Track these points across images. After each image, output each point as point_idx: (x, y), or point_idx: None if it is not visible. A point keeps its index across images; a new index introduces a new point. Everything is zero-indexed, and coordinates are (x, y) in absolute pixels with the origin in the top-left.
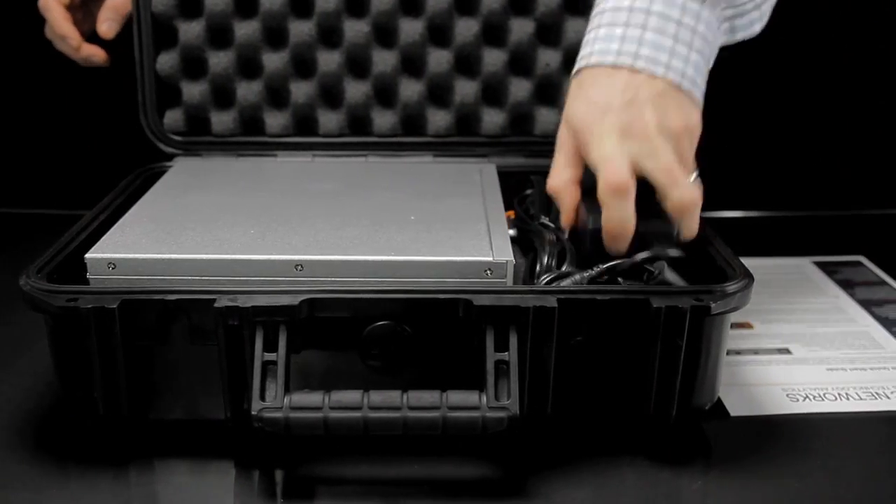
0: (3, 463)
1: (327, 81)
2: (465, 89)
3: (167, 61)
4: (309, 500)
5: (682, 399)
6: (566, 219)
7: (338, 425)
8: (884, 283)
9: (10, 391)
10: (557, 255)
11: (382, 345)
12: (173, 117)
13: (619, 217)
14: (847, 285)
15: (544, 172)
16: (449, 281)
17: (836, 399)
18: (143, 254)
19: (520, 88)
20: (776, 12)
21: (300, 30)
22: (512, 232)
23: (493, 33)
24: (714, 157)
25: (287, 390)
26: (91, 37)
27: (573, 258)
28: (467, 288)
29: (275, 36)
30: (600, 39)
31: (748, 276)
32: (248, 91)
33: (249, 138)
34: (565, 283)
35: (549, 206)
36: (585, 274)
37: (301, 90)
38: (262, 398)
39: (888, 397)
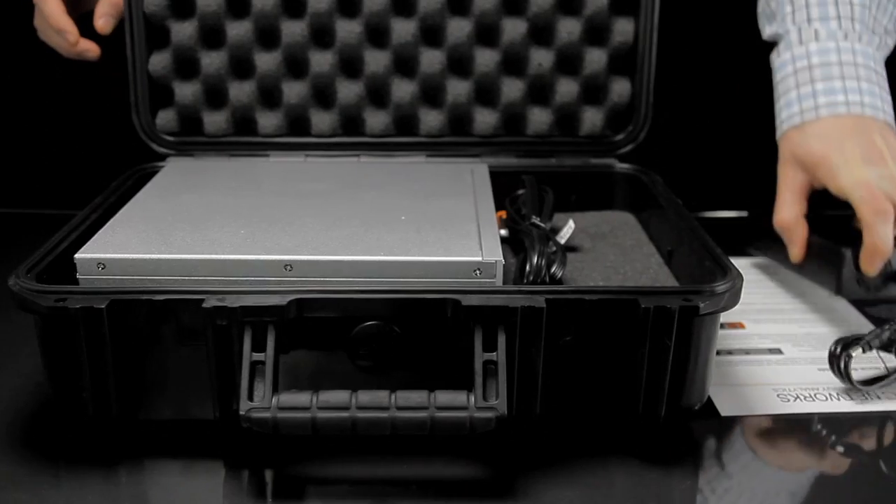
0: None
1: (320, 82)
2: (458, 89)
3: (159, 61)
4: (298, 499)
5: (671, 399)
6: (799, 253)
7: (326, 425)
8: None
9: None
10: (547, 256)
11: (371, 345)
12: (166, 117)
13: (883, 236)
14: None
15: (536, 172)
16: (438, 281)
17: (826, 399)
18: (132, 254)
19: (512, 88)
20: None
21: (292, 30)
22: (503, 232)
23: (486, 33)
24: (708, 158)
25: (275, 390)
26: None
27: (563, 259)
28: (455, 288)
29: (267, 36)
30: (821, 94)
31: (737, 276)
32: (240, 91)
33: (242, 138)
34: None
35: (540, 206)
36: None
37: (293, 90)
38: (251, 398)
39: (878, 398)
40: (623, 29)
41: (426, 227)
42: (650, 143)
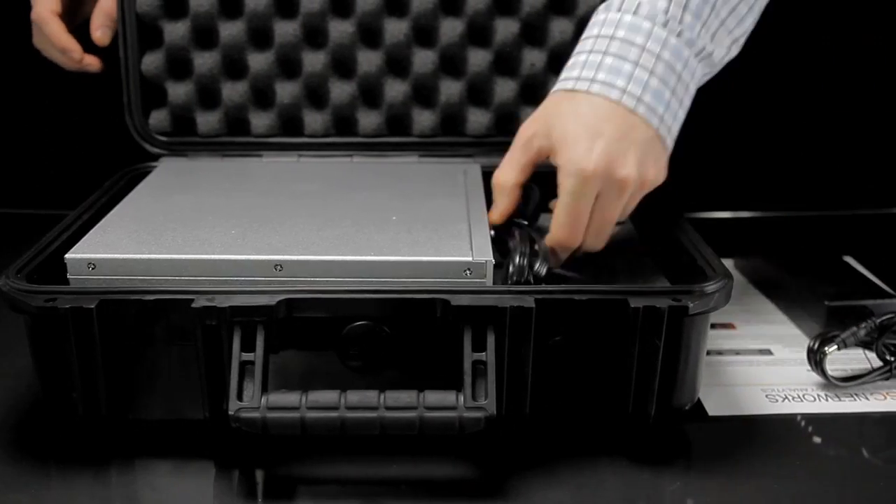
0: None
1: (312, 82)
2: (451, 89)
3: (152, 62)
4: (289, 500)
5: (661, 399)
6: (500, 216)
7: (315, 425)
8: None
9: None
10: (529, 256)
11: (361, 345)
12: (159, 118)
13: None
14: None
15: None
16: (427, 281)
17: (815, 400)
18: (122, 254)
19: (505, 89)
20: (765, 16)
21: (285, 30)
22: (493, 233)
23: (479, 34)
24: (702, 159)
25: (265, 390)
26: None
27: (546, 258)
28: (445, 288)
29: (260, 36)
30: (605, 69)
31: (727, 277)
32: (233, 91)
33: (235, 139)
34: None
35: (525, 204)
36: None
37: (286, 90)
38: (240, 398)
39: (867, 398)
40: None
41: (417, 227)
42: None
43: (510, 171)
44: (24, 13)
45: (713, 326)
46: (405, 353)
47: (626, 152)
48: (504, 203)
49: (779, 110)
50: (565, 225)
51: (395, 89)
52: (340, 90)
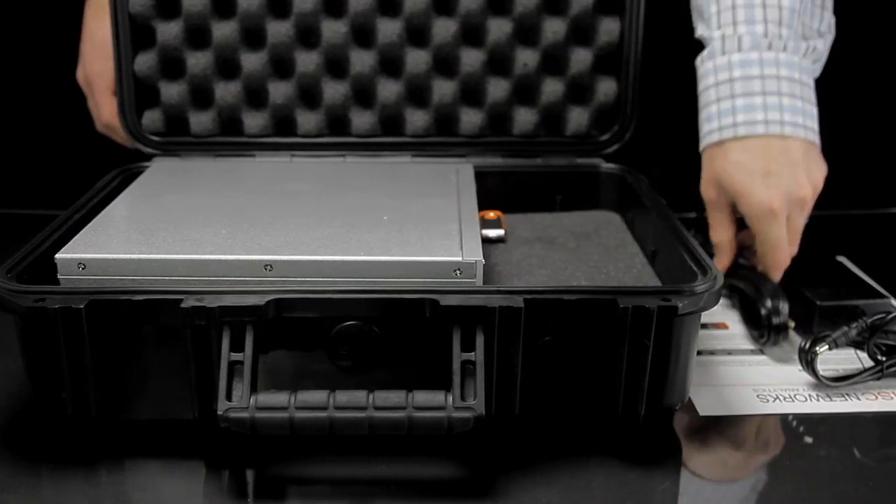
0: None
1: (305, 82)
2: (444, 89)
3: (145, 62)
4: (278, 499)
5: (651, 399)
6: (723, 269)
7: (304, 425)
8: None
9: None
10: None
11: (351, 345)
12: (152, 118)
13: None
14: None
15: (521, 172)
16: (416, 281)
17: (806, 400)
18: (112, 254)
19: (498, 88)
20: None
21: (278, 30)
22: (500, 232)
23: (471, 33)
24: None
25: (254, 390)
26: None
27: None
28: (434, 288)
29: (253, 36)
30: (740, 110)
31: (717, 277)
32: (226, 91)
33: (228, 139)
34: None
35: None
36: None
37: (279, 90)
38: (229, 398)
39: (858, 398)
40: (608, 28)
41: (408, 227)
42: (636, 142)
43: (722, 231)
44: (19, 14)
45: (705, 326)
46: (395, 353)
47: (795, 175)
48: (727, 258)
49: None
50: (778, 254)
51: (389, 89)
52: (333, 90)
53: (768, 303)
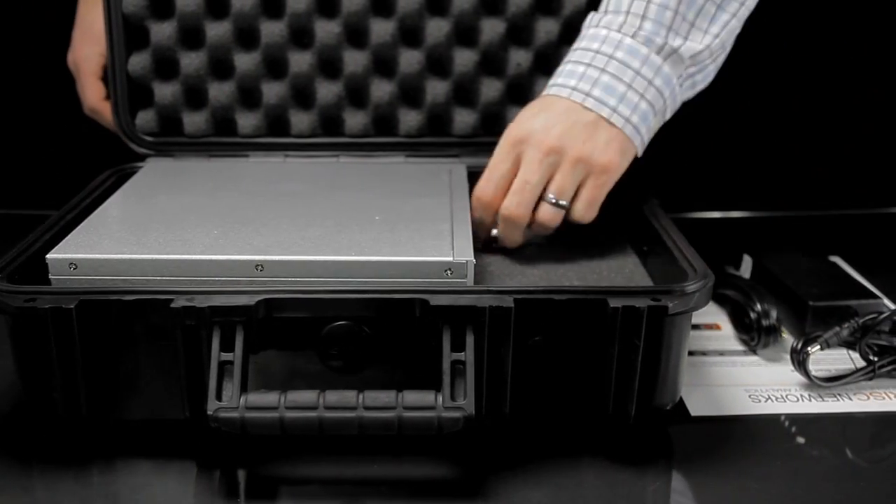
0: None
1: (299, 82)
2: (437, 89)
3: (139, 62)
4: (270, 499)
5: (641, 399)
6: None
7: (293, 425)
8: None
9: None
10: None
11: (341, 345)
12: (146, 118)
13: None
14: None
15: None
16: (408, 281)
17: (798, 400)
18: (104, 254)
19: (491, 88)
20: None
21: (271, 30)
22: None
23: (465, 34)
24: (691, 160)
25: (244, 390)
26: None
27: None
28: (424, 288)
29: (246, 36)
30: (564, 74)
31: (708, 277)
32: (219, 92)
33: (221, 139)
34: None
35: None
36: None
37: (273, 91)
38: (219, 398)
39: (850, 399)
40: None
41: (400, 227)
42: None
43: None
44: (13, 14)
45: (698, 327)
46: (386, 353)
47: (557, 125)
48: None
49: (766, 112)
50: (484, 181)
51: (382, 89)
52: (327, 90)
53: (757, 306)
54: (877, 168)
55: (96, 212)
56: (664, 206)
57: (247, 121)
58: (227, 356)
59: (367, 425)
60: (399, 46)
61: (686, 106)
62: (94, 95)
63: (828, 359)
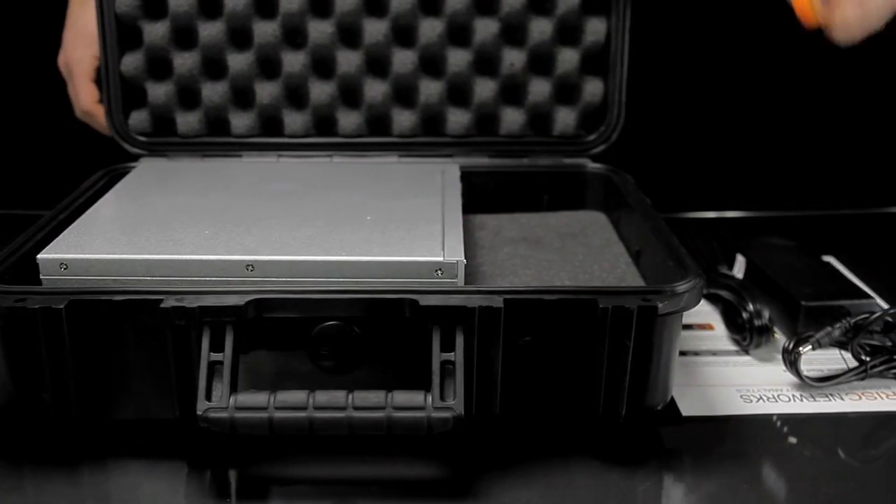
0: None
1: (292, 82)
2: (430, 89)
3: (132, 62)
4: (261, 499)
5: (632, 399)
6: None
7: (283, 425)
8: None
9: None
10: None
11: (331, 345)
12: (139, 118)
13: None
14: None
15: (508, 172)
16: (398, 281)
17: (789, 400)
18: (94, 254)
19: (485, 88)
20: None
21: (264, 30)
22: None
23: (458, 33)
24: (686, 160)
25: (234, 390)
26: None
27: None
28: (414, 288)
29: (239, 36)
30: None
31: (698, 277)
32: (212, 92)
33: (215, 139)
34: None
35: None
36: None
37: (266, 91)
38: (208, 398)
39: (842, 399)
40: (595, 28)
41: (391, 227)
42: (624, 142)
43: None
44: (4, 14)
45: (691, 327)
46: (376, 354)
47: None
48: None
49: (760, 112)
50: None
51: (375, 89)
52: (320, 90)
53: (749, 306)
54: (871, 168)
55: (88, 212)
56: (659, 206)
57: (240, 121)
58: (216, 356)
59: (356, 425)
60: (392, 46)
61: (681, 106)
62: (87, 98)
63: (820, 359)
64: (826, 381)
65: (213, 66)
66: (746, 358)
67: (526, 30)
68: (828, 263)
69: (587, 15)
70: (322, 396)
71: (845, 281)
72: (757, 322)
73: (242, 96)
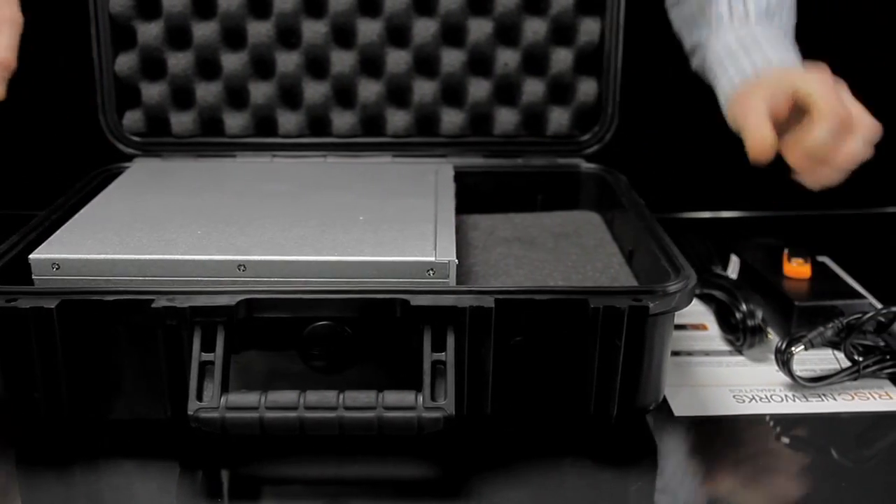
0: None
1: (286, 82)
2: (424, 89)
3: (126, 62)
4: (252, 499)
5: (623, 399)
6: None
7: (273, 425)
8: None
9: None
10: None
11: (323, 345)
12: (133, 118)
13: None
14: None
15: (502, 172)
16: (388, 281)
17: (782, 400)
18: (86, 254)
19: (479, 88)
20: None
21: (258, 30)
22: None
23: (452, 33)
24: (681, 160)
25: (225, 390)
26: None
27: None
28: (405, 288)
29: (233, 36)
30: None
31: (690, 277)
32: (206, 92)
33: (209, 139)
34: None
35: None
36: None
37: (260, 91)
38: (199, 398)
39: (835, 399)
40: (589, 29)
41: (383, 227)
42: (618, 143)
43: None
44: None
45: (684, 328)
46: (368, 354)
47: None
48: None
49: None
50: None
51: (369, 89)
52: (314, 90)
53: (743, 306)
54: (865, 168)
55: (80, 212)
56: (654, 206)
57: (234, 121)
58: (207, 356)
59: (347, 425)
60: (386, 46)
61: (675, 106)
62: None
63: (813, 359)
64: (819, 382)
65: (207, 66)
66: (740, 358)
67: (520, 30)
68: (823, 263)
69: (581, 15)
70: (313, 396)
71: (839, 281)
72: (750, 322)
73: (236, 96)
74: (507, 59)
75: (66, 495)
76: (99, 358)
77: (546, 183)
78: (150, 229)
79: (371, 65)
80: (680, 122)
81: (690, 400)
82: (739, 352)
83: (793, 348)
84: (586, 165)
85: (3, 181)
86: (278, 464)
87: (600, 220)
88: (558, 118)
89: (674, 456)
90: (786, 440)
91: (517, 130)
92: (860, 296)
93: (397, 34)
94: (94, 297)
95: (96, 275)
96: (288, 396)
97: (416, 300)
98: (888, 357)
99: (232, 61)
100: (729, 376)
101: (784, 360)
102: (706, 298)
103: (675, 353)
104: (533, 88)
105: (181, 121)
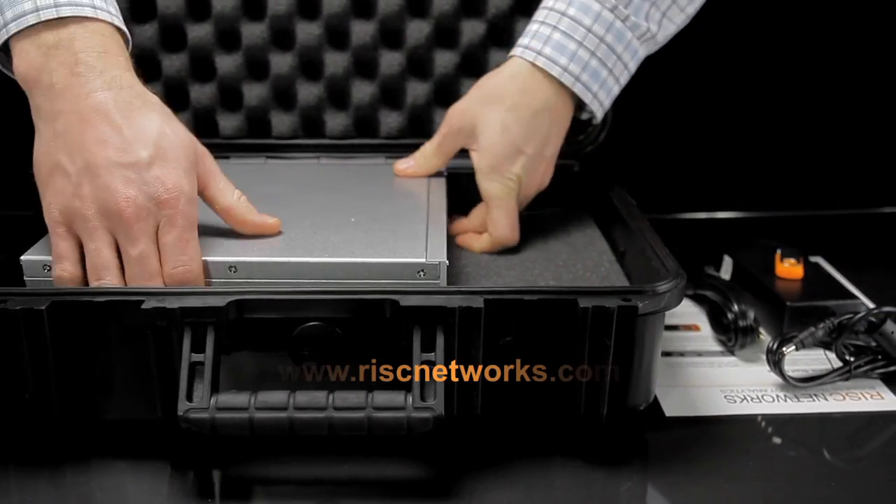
0: None
1: (280, 83)
2: (417, 91)
3: None
4: (243, 499)
5: (613, 399)
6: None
7: (263, 426)
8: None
9: None
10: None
11: (313, 346)
12: None
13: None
14: None
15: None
16: (380, 282)
17: (773, 400)
18: None
19: None
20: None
21: (252, 32)
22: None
23: (445, 35)
24: (676, 161)
25: (215, 391)
26: None
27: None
28: (394, 288)
29: (227, 38)
30: (546, 44)
31: (679, 277)
32: (200, 93)
33: (202, 140)
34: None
35: None
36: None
37: (253, 92)
38: (189, 399)
39: (826, 399)
40: None
41: (375, 228)
42: (611, 143)
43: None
44: None
45: (677, 328)
46: (358, 354)
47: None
48: None
49: (748, 113)
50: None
51: (362, 91)
52: (308, 92)
53: (734, 307)
54: (860, 169)
55: None
56: (647, 206)
57: (228, 122)
58: (197, 357)
59: (337, 426)
60: (379, 48)
61: (669, 108)
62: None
63: (805, 359)
64: (810, 382)
65: (201, 68)
66: (732, 358)
67: (512, 31)
68: (816, 264)
69: None
70: (302, 397)
71: (831, 281)
72: (742, 323)
73: (230, 98)
74: (499, 60)
75: (56, 496)
76: (89, 359)
77: None
78: None
79: (364, 66)
80: (672, 123)
81: (682, 400)
82: (731, 352)
83: (784, 348)
84: (579, 166)
85: None
86: (269, 464)
87: (592, 221)
88: None
89: (665, 456)
90: (777, 440)
91: None
92: (852, 296)
93: (390, 36)
94: (84, 298)
95: None
96: (277, 397)
97: (406, 300)
98: (879, 357)
99: (226, 63)
100: (720, 377)
101: (775, 361)
102: (698, 299)
103: (667, 354)
104: None
105: None
